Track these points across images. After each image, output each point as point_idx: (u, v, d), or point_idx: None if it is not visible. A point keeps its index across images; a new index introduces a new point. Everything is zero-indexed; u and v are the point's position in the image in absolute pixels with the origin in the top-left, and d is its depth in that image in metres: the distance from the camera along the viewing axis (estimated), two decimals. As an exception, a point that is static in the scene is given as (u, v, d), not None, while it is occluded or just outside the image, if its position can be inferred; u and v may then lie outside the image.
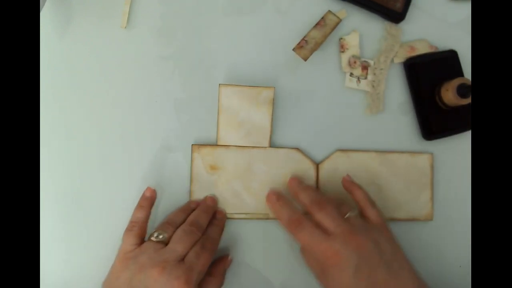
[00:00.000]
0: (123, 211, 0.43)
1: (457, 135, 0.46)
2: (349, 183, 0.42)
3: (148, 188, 0.42)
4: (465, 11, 0.47)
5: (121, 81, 0.45)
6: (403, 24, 0.47)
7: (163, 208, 0.44)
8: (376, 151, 0.45)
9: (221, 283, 0.41)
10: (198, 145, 0.44)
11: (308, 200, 0.39)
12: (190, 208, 0.43)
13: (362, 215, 0.40)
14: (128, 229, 0.40)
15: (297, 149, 0.44)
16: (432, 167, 0.45)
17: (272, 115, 0.44)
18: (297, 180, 0.43)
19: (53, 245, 0.43)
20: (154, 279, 0.35)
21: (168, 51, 0.45)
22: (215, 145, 0.44)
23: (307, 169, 0.44)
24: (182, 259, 0.37)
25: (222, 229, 0.43)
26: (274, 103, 0.44)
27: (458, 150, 0.47)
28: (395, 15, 0.45)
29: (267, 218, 0.44)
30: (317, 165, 0.44)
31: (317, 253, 0.36)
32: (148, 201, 0.41)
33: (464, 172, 0.46)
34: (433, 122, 0.45)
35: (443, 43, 0.47)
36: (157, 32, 0.45)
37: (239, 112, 0.43)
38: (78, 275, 0.43)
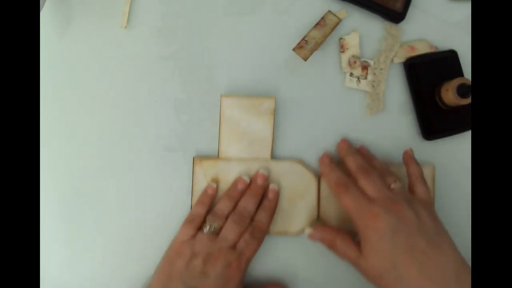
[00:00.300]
0: (123, 211, 0.43)
1: (457, 135, 0.46)
2: (408, 157, 0.42)
3: (210, 186, 0.43)
4: (465, 11, 0.47)
5: (121, 81, 0.45)
6: (403, 24, 0.47)
7: (162, 208, 0.44)
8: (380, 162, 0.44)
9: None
10: (200, 158, 0.43)
11: (354, 165, 0.40)
12: (237, 190, 0.43)
13: (410, 189, 0.40)
14: (188, 221, 0.41)
15: (299, 160, 0.44)
16: (433, 179, 0.45)
17: (274, 125, 0.44)
18: (347, 143, 0.43)
19: (53, 245, 0.43)
20: (210, 264, 0.38)
21: (168, 51, 0.45)
22: (216, 158, 0.44)
23: (308, 183, 0.44)
24: (234, 247, 0.40)
25: (272, 212, 0.42)
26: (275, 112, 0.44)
27: (458, 150, 0.47)
28: (395, 15, 0.45)
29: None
30: (318, 178, 0.44)
31: (358, 219, 0.37)
32: (209, 198, 0.43)
33: (464, 172, 0.46)
34: (433, 122, 0.45)
35: (443, 43, 0.47)
36: (157, 32, 0.45)
37: (241, 122, 0.43)
38: (78, 276, 0.43)
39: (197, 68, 0.45)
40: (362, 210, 0.37)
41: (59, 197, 0.44)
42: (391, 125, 0.46)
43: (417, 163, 0.41)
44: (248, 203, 0.42)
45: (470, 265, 0.32)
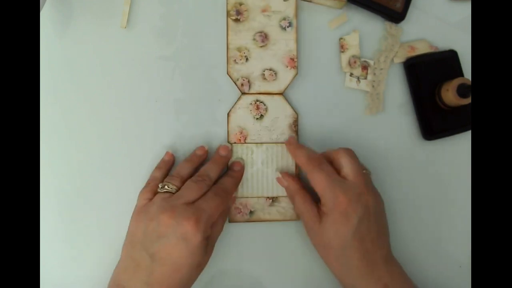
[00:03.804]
0: (123, 211, 0.43)
1: (457, 135, 0.46)
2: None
3: (167, 153, 0.43)
4: (465, 11, 0.47)
5: (121, 81, 0.45)
6: (403, 24, 0.47)
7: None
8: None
9: (224, 222, 0.42)
10: None
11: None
12: (196, 156, 0.42)
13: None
14: (144, 187, 0.41)
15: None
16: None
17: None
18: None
19: (53, 245, 0.43)
20: (165, 225, 0.36)
21: (168, 51, 0.45)
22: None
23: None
24: (191, 203, 0.37)
25: (237, 181, 0.42)
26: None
27: (458, 150, 0.47)
28: (395, 15, 0.45)
29: (266, 220, 0.44)
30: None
31: (329, 196, 0.37)
32: (166, 163, 0.43)
33: (464, 172, 0.46)
34: (433, 122, 0.45)
35: (443, 43, 0.47)
36: (157, 32, 0.45)
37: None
38: (78, 275, 0.43)
39: (197, 68, 0.45)
40: (334, 188, 0.37)
41: (59, 197, 0.44)
42: (391, 125, 0.46)
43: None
44: (209, 169, 0.41)
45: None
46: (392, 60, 0.46)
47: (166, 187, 0.39)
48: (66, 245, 0.43)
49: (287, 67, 0.45)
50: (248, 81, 0.44)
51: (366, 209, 0.37)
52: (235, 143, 0.44)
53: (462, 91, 0.42)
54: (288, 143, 0.43)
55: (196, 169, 0.42)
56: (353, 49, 0.46)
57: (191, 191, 0.38)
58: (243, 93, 0.45)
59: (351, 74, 0.46)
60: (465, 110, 0.44)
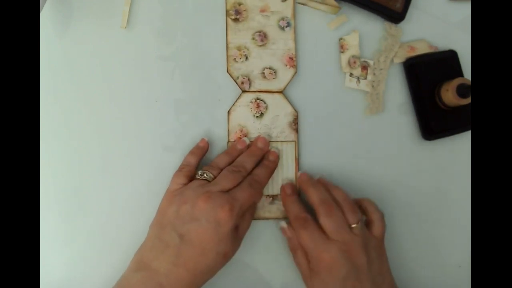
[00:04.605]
0: (123, 211, 0.43)
1: (457, 135, 0.46)
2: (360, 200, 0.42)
3: (202, 139, 0.43)
4: (465, 11, 0.47)
5: (121, 81, 0.45)
6: (403, 24, 0.47)
7: (163, 208, 0.44)
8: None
9: (252, 216, 0.42)
10: None
11: (317, 199, 0.39)
12: (236, 149, 0.43)
13: (367, 224, 0.40)
14: (178, 170, 0.41)
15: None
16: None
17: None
18: (307, 176, 0.43)
19: (53, 245, 0.43)
20: (199, 208, 0.36)
21: (168, 51, 0.45)
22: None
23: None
24: (226, 192, 0.38)
25: (271, 171, 0.43)
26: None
27: (458, 150, 0.47)
28: (395, 15, 0.45)
29: (268, 218, 0.44)
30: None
31: (313, 254, 0.38)
32: (200, 149, 0.43)
33: (464, 172, 0.46)
34: (433, 122, 0.45)
35: (443, 43, 0.47)
36: (157, 32, 0.45)
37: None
38: (78, 276, 0.43)
39: (197, 68, 0.45)
40: (318, 249, 0.37)
41: (59, 197, 0.44)
42: (391, 125, 0.46)
43: (369, 200, 0.41)
44: (245, 160, 0.41)
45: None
46: (392, 60, 0.46)
47: (205, 175, 0.40)
48: (66, 245, 0.43)
49: (286, 66, 0.45)
50: (249, 79, 0.45)
51: (353, 265, 0.36)
52: (235, 141, 0.44)
53: (462, 91, 0.42)
54: (282, 192, 0.43)
55: (233, 161, 0.42)
56: (353, 49, 0.46)
57: (227, 180, 0.39)
58: (244, 91, 0.45)
59: (351, 74, 0.46)
60: (465, 110, 0.44)
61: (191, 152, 0.43)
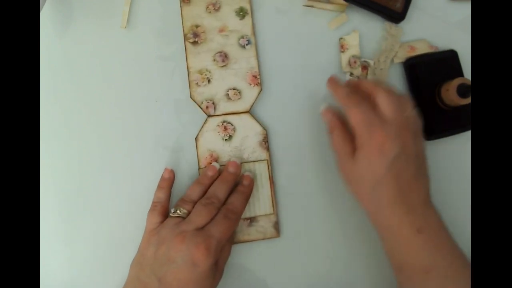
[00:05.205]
0: (123, 211, 0.43)
1: (457, 135, 0.46)
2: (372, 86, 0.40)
3: (166, 170, 0.43)
4: (465, 11, 0.47)
5: (121, 81, 0.45)
6: (403, 24, 0.47)
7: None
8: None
9: (231, 245, 0.42)
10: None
11: (374, 83, 0.39)
12: (207, 177, 0.42)
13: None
14: (151, 209, 0.41)
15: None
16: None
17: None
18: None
19: (53, 245, 0.43)
20: (175, 250, 0.36)
21: (168, 51, 0.45)
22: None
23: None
24: (201, 229, 0.37)
25: (247, 197, 0.41)
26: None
27: (458, 150, 0.46)
28: (395, 15, 0.45)
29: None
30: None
31: (364, 131, 0.37)
32: (167, 181, 0.42)
33: (464, 172, 0.46)
34: (433, 122, 0.45)
35: (443, 43, 0.47)
36: (157, 32, 0.45)
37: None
38: (78, 276, 0.43)
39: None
40: (371, 124, 0.36)
41: (59, 197, 0.44)
42: (391, 125, 0.46)
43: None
44: (218, 189, 0.40)
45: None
46: (392, 60, 0.46)
47: (178, 211, 0.39)
48: (66, 245, 0.43)
49: (250, 84, 0.44)
50: (213, 103, 0.44)
51: (404, 149, 0.36)
52: (205, 167, 0.43)
53: (462, 91, 0.42)
54: (329, 81, 0.41)
55: (207, 189, 0.41)
56: (353, 49, 0.46)
57: (200, 215, 0.38)
58: (209, 116, 0.44)
59: (351, 74, 0.46)
60: (465, 110, 0.44)
61: (159, 187, 0.42)
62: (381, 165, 0.36)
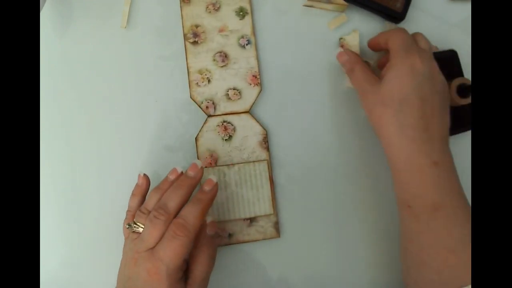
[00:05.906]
0: (123, 211, 0.43)
1: (457, 135, 0.46)
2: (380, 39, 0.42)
3: (139, 176, 0.41)
4: (465, 11, 0.47)
5: (121, 81, 0.45)
6: (403, 24, 0.47)
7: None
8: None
9: (214, 250, 0.38)
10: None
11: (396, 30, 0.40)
12: (168, 183, 0.38)
13: None
14: (125, 218, 0.40)
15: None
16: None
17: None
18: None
19: (53, 245, 0.43)
20: (132, 271, 0.35)
21: (168, 51, 0.45)
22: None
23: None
24: (153, 248, 0.34)
25: (204, 206, 0.35)
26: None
27: (458, 150, 0.46)
28: (395, 15, 0.45)
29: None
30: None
31: (402, 51, 0.38)
32: (139, 188, 0.40)
33: (464, 172, 0.46)
34: (433, 122, 0.45)
35: (443, 43, 0.47)
36: (157, 32, 0.45)
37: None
38: (78, 276, 0.43)
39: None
40: (410, 47, 0.38)
41: (59, 197, 0.44)
42: (391, 125, 0.46)
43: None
44: (169, 198, 0.35)
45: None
46: (392, 60, 0.46)
47: (134, 227, 0.36)
48: (66, 245, 0.43)
49: (250, 84, 0.44)
50: (213, 103, 0.44)
51: (432, 76, 0.37)
52: (206, 167, 0.43)
53: (462, 91, 0.42)
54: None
55: None
56: (353, 49, 0.46)
57: (149, 234, 0.34)
58: (209, 116, 0.44)
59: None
60: (465, 110, 0.44)
61: (132, 194, 0.40)
62: (410, 83, 0.37)
